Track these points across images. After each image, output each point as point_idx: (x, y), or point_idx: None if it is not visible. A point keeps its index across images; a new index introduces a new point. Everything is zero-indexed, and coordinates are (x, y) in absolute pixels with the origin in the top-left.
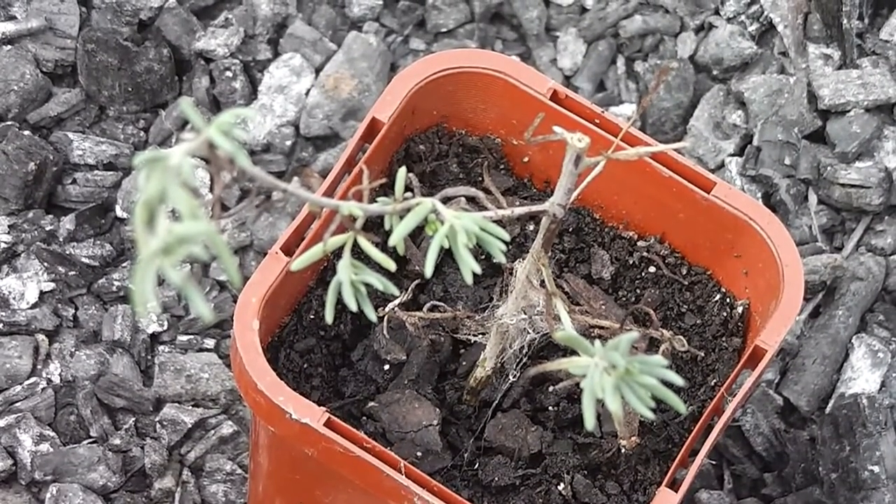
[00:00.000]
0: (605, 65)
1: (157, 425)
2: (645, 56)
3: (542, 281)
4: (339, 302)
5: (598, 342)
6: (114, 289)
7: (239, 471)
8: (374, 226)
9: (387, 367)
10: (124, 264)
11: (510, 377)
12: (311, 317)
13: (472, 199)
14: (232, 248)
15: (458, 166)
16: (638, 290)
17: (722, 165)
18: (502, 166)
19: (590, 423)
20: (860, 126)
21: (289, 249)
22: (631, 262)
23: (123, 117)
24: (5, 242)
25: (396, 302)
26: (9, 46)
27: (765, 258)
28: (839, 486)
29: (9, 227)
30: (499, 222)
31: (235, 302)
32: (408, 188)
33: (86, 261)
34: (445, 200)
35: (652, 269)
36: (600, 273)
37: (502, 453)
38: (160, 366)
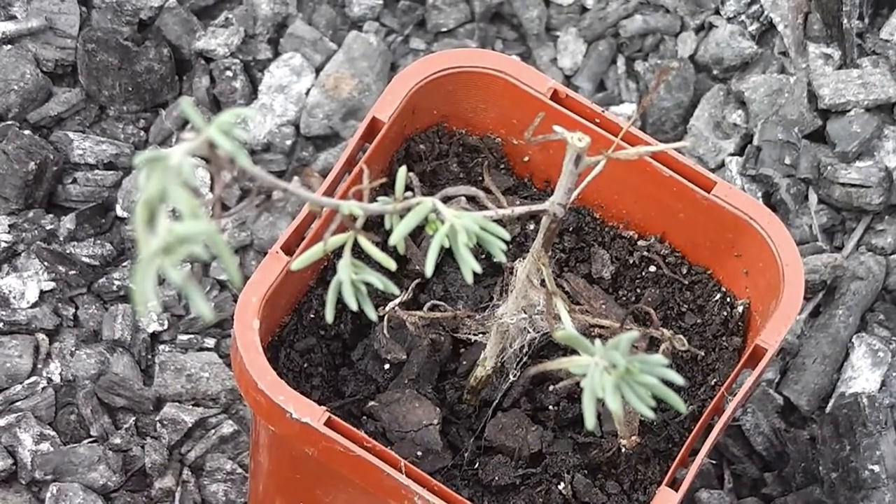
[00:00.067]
0: (605, 64)
1: (158, 425)
2: (645, 56)
3: (543, 280)
4: (340, 301)
5: (598, 341)
6: (114, 288)
7: (239, 470)
8: (375, 225)
9: (387, 366)
10: (125, 264)
11: (510, 376)
12: (312, 316)
13: (472, 199)
14: (232, 247)
15: (459, 166)
16: (638, 290)
17: (722, 165)
18: (502, 166)
19: (590, 422)
20: (860, 126)
21: (289, 249)
22: (631, 261)
23: (124, 117)
24: (6, 242)
25: (397, 301)
26: (9, 46)
27: (765, 258)
28: (839, 485)
29: (9, 226)
30: (499, 222)
31: (236, 301)
32: (408, 187)
33: (86, 260)
34: (446, 200)
35: (652, 268)
36: (600, 272)
37: (502, 453)
38: (160, 365)
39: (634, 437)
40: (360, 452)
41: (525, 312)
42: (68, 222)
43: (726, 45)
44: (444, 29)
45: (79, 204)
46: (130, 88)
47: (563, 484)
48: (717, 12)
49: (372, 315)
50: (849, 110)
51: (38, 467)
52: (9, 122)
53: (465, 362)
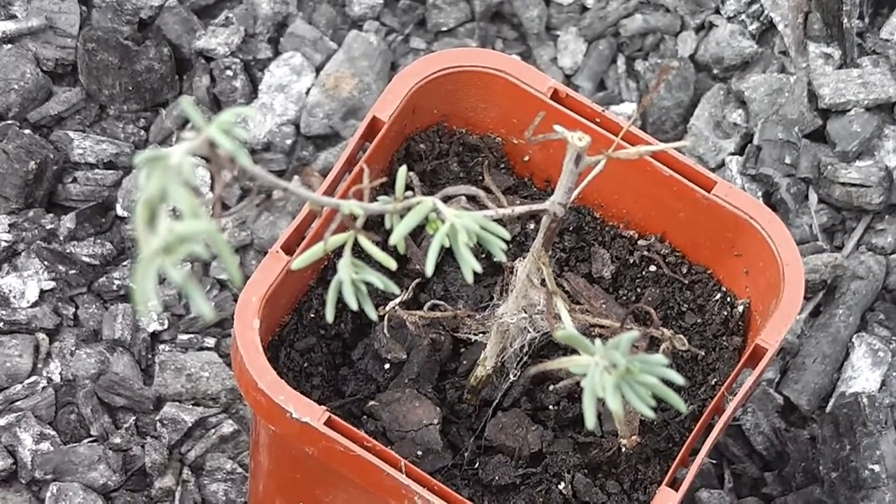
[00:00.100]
0: (605, 64)
1: (158, 424)
2: (645, 55)
3: (543, 280)
4: (340, 301)
5: (598, 341)
6: (114, 287)
7: (239, 470)
8: (375, 225)
9: (387, 365)
10: (125, 263)
11: (511, 376)
12: (312, 316)
13: (472, 198)
14: (232, 246)
15: (459, 165)
16: (638, 289)
17: (722, 164)
18: (503, 165)
19: (590, 422)
20: (860, 125)
21: (289, 248)
22: (631, 261)
23: (124, 116)
24: (6, 241)
25: (397, 301)
26: (9, 45)
27: (765, 257)
28: (839, 485)
29: (9, 225)
30: (499, 221)
31: (236, 301)
32: (408, 187)
33: (86, 259)
34: (446, 199)
35: (652, 267)
36: (601, 272)
37: (503, 452)
38: (160, 364)
39: (635, 437)
40: (361, 452)
41: (525, 312)
42: (68, 222)
43: (726, 45)
44: (444, 28)
45: (79, 203)
46: (131, 88)
47: (563, 483)
48: (717, 11)
49: (372, 314)
50: (849, 110)
51: (38, 467)
52: (9, 122)
53: (465, 362)
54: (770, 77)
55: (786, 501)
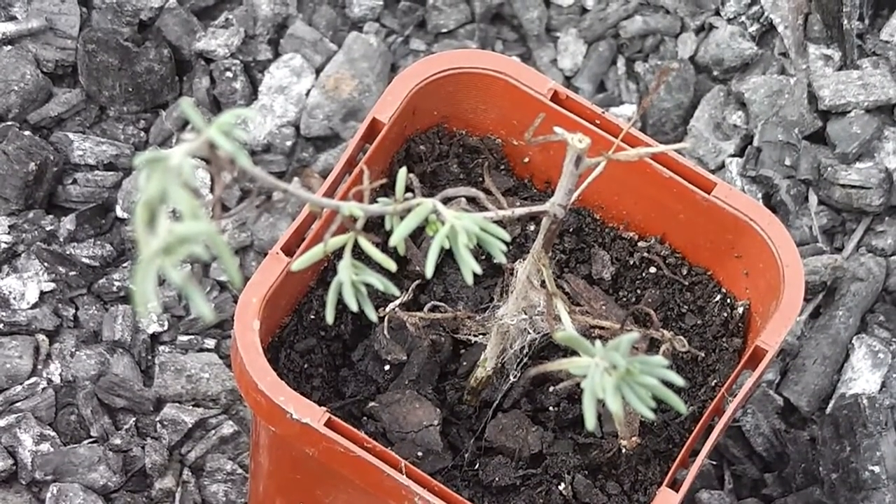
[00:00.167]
0: (605, 65)
1: (158, 425)
2: (645, 57)
3: (543, 281)
4: (340, 302)
5: (598, 342)
6: (114, 289)
7: (239, 471)
8: (375, 226)
9: (387, 367)
10: (125, 264)
11: (511, 377)
12: (312, 317)
13: (472, 200)
14: (232, 248)
15: (459, 167)
16: (638, 291)
17: (722, 166)
18: (503, 167)
19: (590, 423)
20: (860, 127)
21: (289, 250)
22: (631, 262)
23: (124, 117)
24: (6, 242)
25: (397, 302)
26: (9, 47)
27: (765, 259)
28: (840, 486)
29: (9, 227)
30: (499, 223)
31: (236, 302)
32: (408, 188)
33: (86, 261)
34: (446, 201)
35: (652, 269)
36: (601, 273)
37: (503, 453)
38: (160, 366)
39: (635, 438)
40: (361, 453)
41: (525, 313)
42: (68, 223)
43: (726, 46)
44: (444, 30)
45: (79, 205)
46: (131, 89)
47: (563, 484)
48: (717, 13)
49: (372, 316)
50: (849, 111)
51: (39, 468)
52: (9, 123)
53: (465, 363)
54: (770, 79)
55: (786, 502)
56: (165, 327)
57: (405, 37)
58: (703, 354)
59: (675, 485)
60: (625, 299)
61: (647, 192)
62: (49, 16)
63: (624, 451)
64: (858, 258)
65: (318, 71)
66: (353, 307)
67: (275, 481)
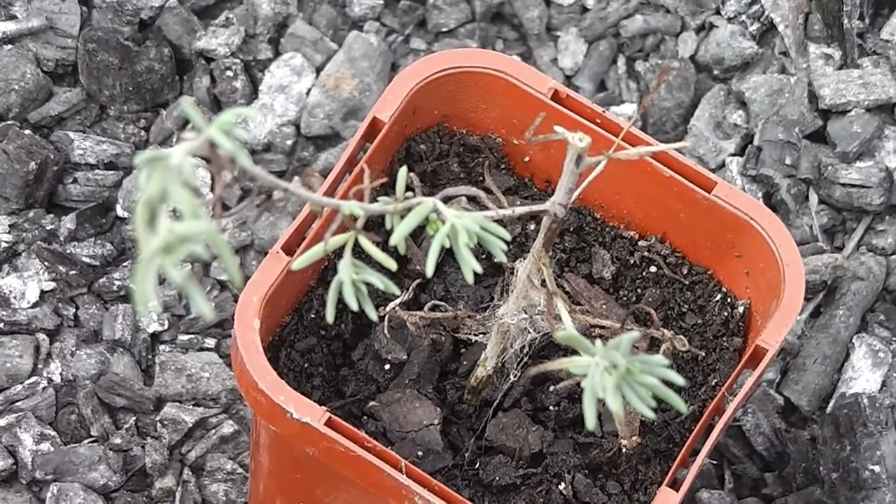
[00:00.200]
0: (605, 64)
1: (158, 424)
2: (646, 56)
3: (543, 280)
4: (340, 301)
5: (598, 342)
6: (114, 288)
7: (240, 470)
8: (375, 225)
9: (388, 366)
10: (125, 263)
11: (511, 377)
12: (312, 316)
13: (473, 199)
14: (233, 247)
15: (459, 166)
16: (639, 290)
17: (723, 165)
18: (503, 166)
19: (591, 422)
20: (861, 126)
21: (290, 249)
22: (632, 261)
23: (124, 117)
24: (6, 242)
25: (397, 301)
26: (9, 46)
27: (766, 258)
28: (840, 485)
29: (9, 226)
30: (500, 222)
31: (236, 301)
32: (409, 188)
33: (86, 260)
34: (446, 200)
35: (653, 268)
36: (601, 273)
37: (503, 453)
38: (161, 365)
39: (635, 438)
40: (361, 452)
41: (526, 312)
42: (69, 222)
43: (727, 45)
44: (444, 29)
45: (79, 204)
46: (131, 88)
47: (563, 484)
48: (717, 12)
49: (372, 315)
50: (849, 110)
51: (39, 467)
52: (9, 122)
53: (465, 362)
54: (770, 78)
55: (786, 502)
56: (166, 326)
57: (405, 36)
58: (703, 354)
59: (675, 484)
60: (625, 298)
61: (647, 192)
62: (49, 15)
63: (624, 450)
64: (859, 257)
65: (318, 70)
66: (354, 306)
67: (275, 481)
